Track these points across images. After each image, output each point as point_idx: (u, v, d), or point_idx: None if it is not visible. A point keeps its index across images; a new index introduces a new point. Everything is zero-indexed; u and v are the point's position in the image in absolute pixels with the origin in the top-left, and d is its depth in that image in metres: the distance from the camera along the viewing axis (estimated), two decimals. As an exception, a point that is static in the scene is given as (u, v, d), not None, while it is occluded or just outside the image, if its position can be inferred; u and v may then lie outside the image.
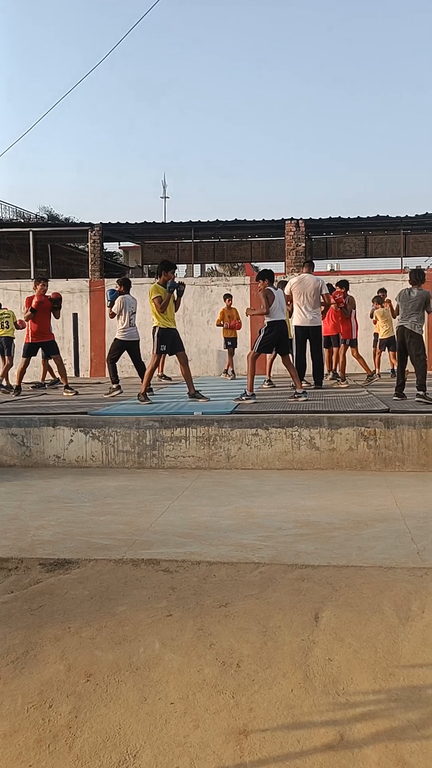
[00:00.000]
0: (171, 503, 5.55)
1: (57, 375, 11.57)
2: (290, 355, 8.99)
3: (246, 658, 2.96)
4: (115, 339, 9.88)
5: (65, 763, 2.38)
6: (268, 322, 8.49)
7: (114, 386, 9.85)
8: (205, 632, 3.19)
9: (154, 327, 8.67)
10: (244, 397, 8.34)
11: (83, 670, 2.91)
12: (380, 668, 2.86)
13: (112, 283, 15.00)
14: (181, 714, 2.61)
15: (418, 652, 2.98)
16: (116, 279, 11.87)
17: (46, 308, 10.11)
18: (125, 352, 9.84)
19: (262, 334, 8.55)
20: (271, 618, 3.31)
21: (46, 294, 10.20)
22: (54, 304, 10.30)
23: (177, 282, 8.66)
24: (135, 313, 9.86)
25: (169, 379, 12.76)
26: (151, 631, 3.22)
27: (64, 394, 10.06)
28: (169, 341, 8.63)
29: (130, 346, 9.83)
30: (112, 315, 9.83)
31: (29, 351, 10.03)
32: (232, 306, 12.62)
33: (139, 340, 9.92)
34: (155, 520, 5.05)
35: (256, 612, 3.38)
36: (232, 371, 13.02)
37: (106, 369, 10.76)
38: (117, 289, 9.91)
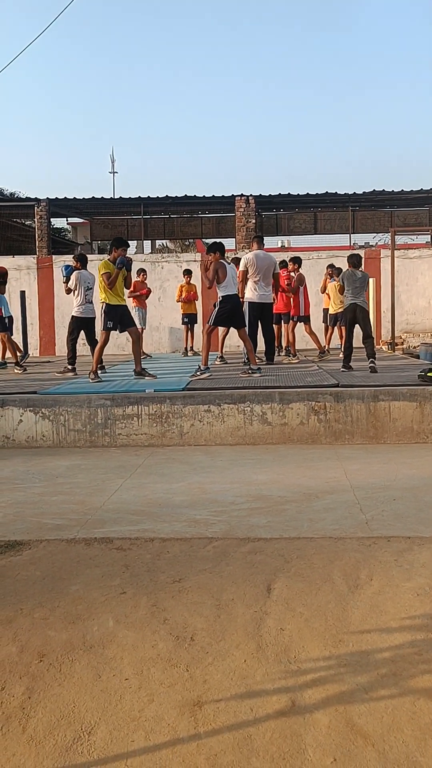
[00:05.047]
0: (124, 481, 5.53)
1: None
2: (245, 329, 8.99)
3: (200, 632, 2.99)
4: (72, 317, 9.70)
5: (19, 744, 2.37)
6: (222, 296, 8.49)
7: (69, 367, 9.67)
8: (159, 608, 3.20)
9: (102, 303, 8.58)
10: (199, 372, 8.34)
11: (36, 651, 2.89)
12: (330, 635, 2.93)
13: (60, 260, 14.69)
14: (135, 689, 2.63)
15: (366, 618, 3.06)
16: (65, 255, 11.59)
17: None
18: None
19: (216, 308, 8.55)
20: (224, 591, 3.34)
21: None
22: None
23: (126, 258, 8.57)
24: (92, 289, 9.64)
25: (149, 356, 12.51)
26: (104, 609, 3.21)
27: (16, 371, 9.89)
28: (116, 318, 8.55)
29: (87, 323, 9.68)
30: (68, 291, 9.64)
31: None
32: (191, 282, 12.58)
33: (95, 317, 9.76)
34: (108, 498, 5.02)
35: (210, 586, 3.41)
36: (191, 348, 12.98)
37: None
38: (73, 264, 9.71)
